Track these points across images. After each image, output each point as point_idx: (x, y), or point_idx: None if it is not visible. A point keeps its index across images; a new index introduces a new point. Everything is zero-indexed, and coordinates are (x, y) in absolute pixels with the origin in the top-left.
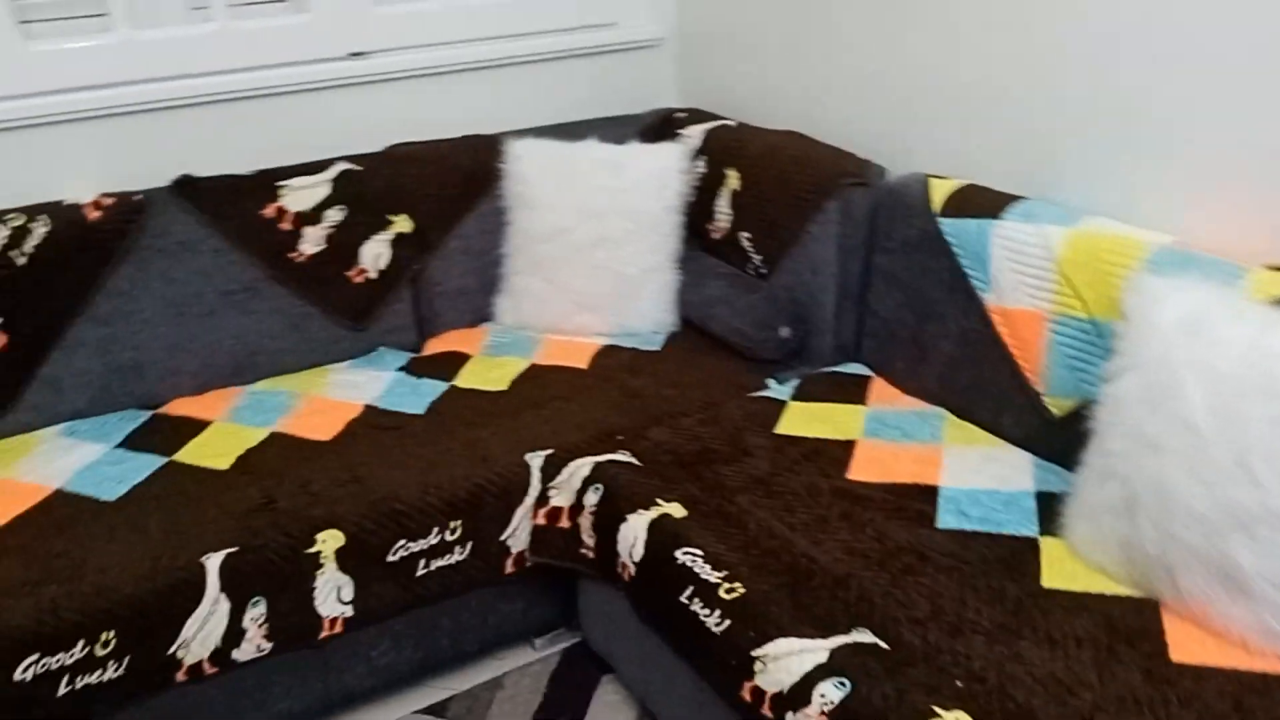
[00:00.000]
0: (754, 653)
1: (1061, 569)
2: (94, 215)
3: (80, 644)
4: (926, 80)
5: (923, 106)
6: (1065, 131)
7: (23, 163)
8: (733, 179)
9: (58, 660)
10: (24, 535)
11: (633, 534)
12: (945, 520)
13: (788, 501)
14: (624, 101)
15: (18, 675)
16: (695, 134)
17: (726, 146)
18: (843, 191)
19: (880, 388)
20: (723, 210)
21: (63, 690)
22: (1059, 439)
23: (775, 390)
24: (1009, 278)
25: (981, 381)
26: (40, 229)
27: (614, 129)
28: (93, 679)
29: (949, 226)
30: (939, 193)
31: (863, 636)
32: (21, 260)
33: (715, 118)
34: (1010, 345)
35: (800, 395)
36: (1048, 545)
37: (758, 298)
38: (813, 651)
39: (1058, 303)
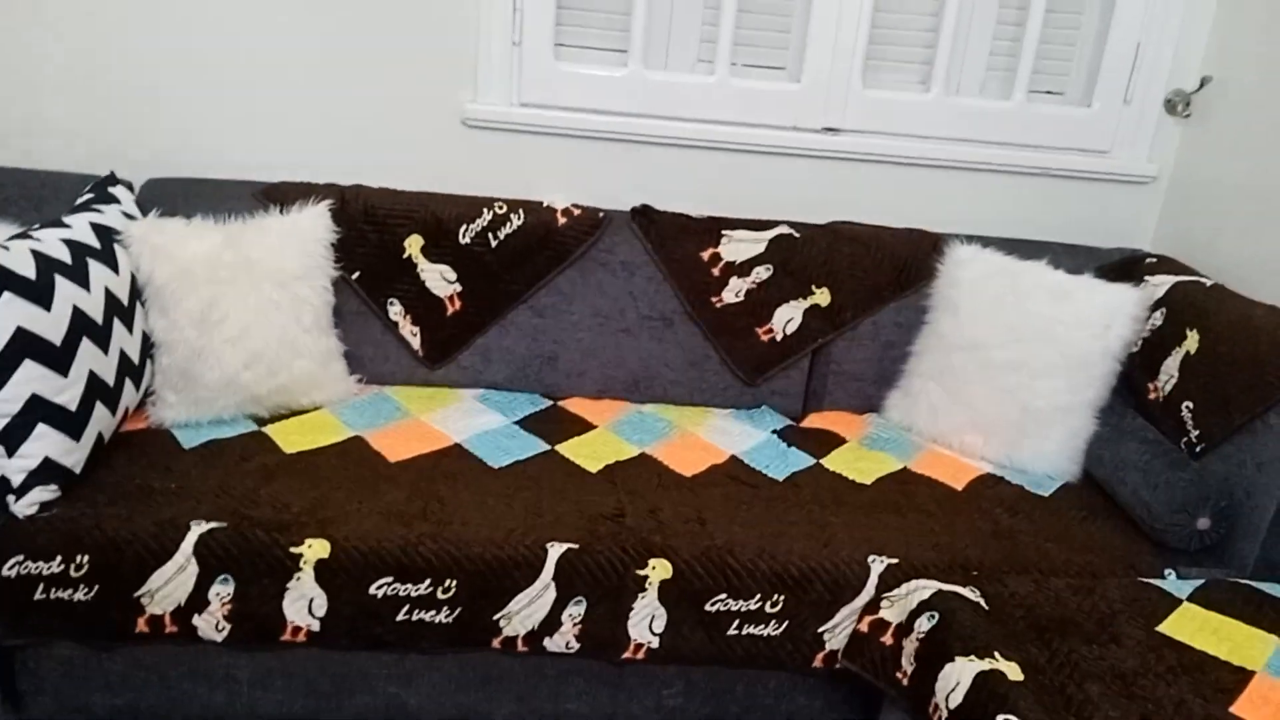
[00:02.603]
0: None
1: None
2: (561, 221)
3: (428, 582)
4: None
5: None
6: None
7: (522, 161)
8: (1191, 340)
9: (406, 589)
10: (417, 473)
11: (956, 677)
12: None
13: (1147, 711)
14: (1089, 232)
15: (372, 590)
16: (1162, 283)
17: (1194, 304)
18: None
19: None
20: (1169, 371)
21: (401, 616)
22: None
23: (1171, 584)
24: None
25: None
26: (516, 220)
27: (1069, 257)
28: (427, 616)
29: None
30: None
31: None
32: (494, 243)
33: (1189, 271)
34: None
35: (1199, 598)
36: None
37: (1182, 476)
38: None
39: None
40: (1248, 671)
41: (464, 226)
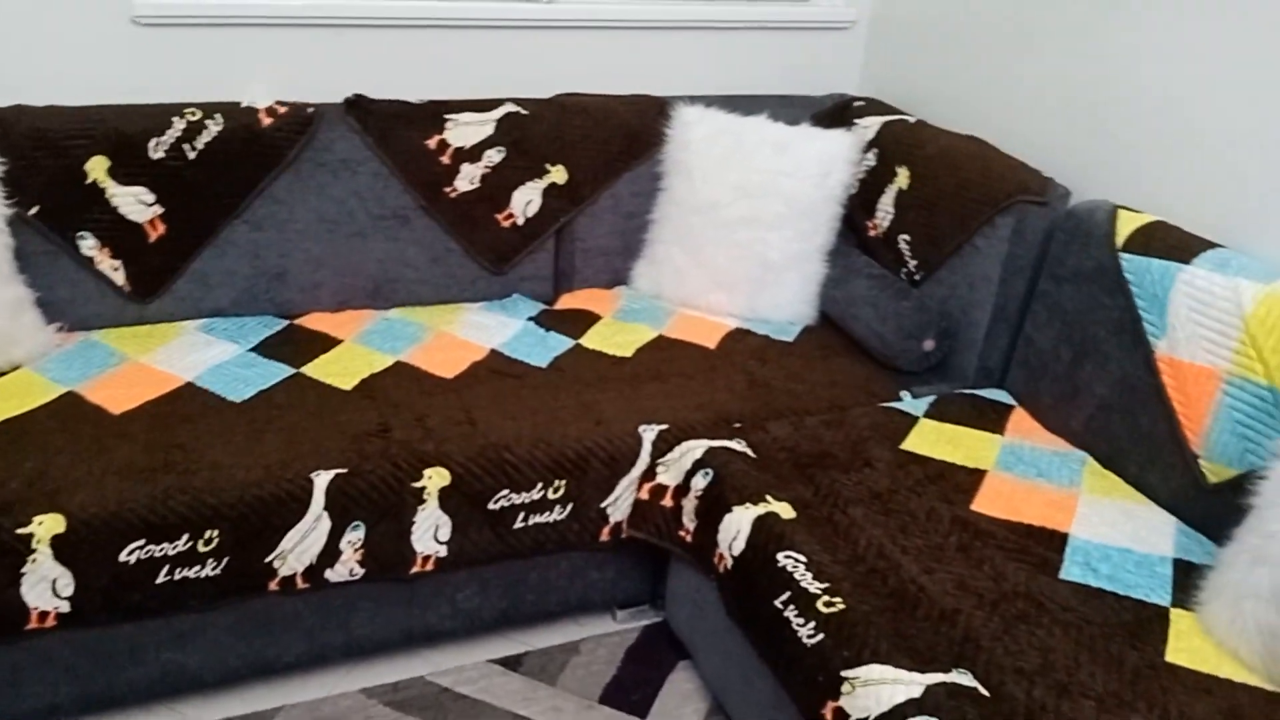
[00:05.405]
0: (844, 673)
1: (1189, 645)
2: (266, 121)
3: (185, 537)
4: (1130, 105)
5: (1120, 131)
6: (1273, 181)
7: (211, 60)
8: (902, 177)
9: (161, 549)
10: (150, 421)
11: (736, 526)
12: (1070, 571)
13: (904, 522)
14: (803, 82)
15: (123, 556)
16: (871, 125)
17: (901, 142)
18: (1018, 208)
19: (1021, 419)
20: (885, 208)
21: (162, 579)
22: (1209, 507)
23: (908, 404)
24: (1187, 328)
25: (1134, 432)
26: (214, 127)
27: (788, 109)
28: (191, 573)
29: (1130, 264)
30: (1125, 226)
31: (963, 679)
32: (191, 154)
33: (894, 111)
34: (1174, 399)
35: (934, 413)
36: (1178, 618)
37: (906, 305)
38: (906, 684)
39: (1237, 363)
40: (981, 471)
41: (154, 140)
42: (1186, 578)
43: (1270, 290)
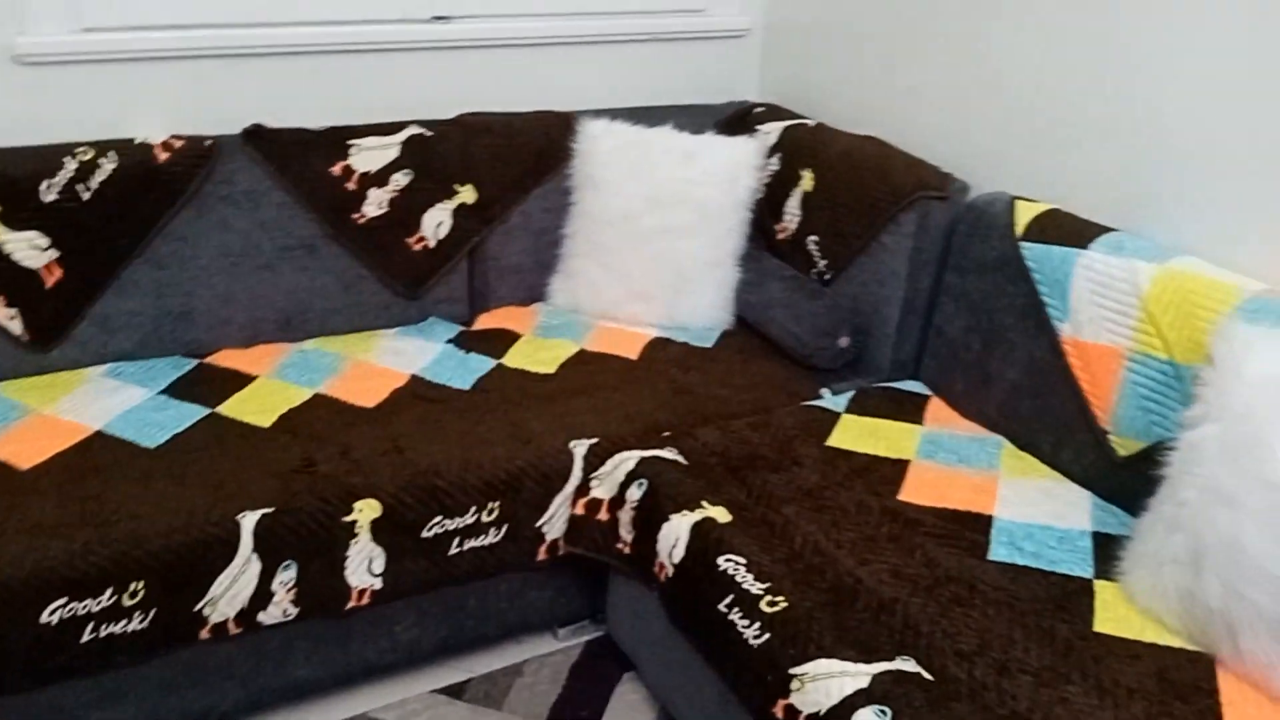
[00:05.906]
0: (792, 670)
1: (1115, 614)
2: (163, 156)
3: (109, 592)
4: (1021, 98)
5: (1014, 125)
6: (1162, 165)
7: (101, 97)
8: (806, 180)
9: (85, 606)
10: (61, 475)
11: (674, 535)
12: (997, 552)
13: (836, 517)
14: (703, 90)
15: (44, 618)
16: (772, 130)
17: (803, 146)
18: (920, 204)
19: (938, 408)
20: (792, 211)
21: (87, 637)
22: (1122, 480)
23: (829, 400)
24: (1089, 310)
25: (1046, 413)
26: (108, 165)
27: (691, 118)
28: (117, 629)
29: (1031, 251)
30: (1024, 215)
31: (906, 665)
32: (86, 195)
33: (794, 115)
34: (1081, 379)
35: (855, 408)
36: (1102, 589)
37: (819, 304)
38: (853, 676)
39: (1138, 340)
40: (904, 461)
41: (45, 183)
42: (1106, 550)
43: (1164, 269)
